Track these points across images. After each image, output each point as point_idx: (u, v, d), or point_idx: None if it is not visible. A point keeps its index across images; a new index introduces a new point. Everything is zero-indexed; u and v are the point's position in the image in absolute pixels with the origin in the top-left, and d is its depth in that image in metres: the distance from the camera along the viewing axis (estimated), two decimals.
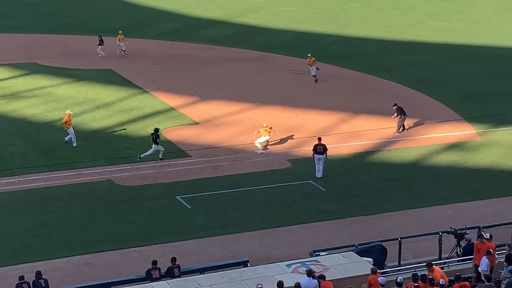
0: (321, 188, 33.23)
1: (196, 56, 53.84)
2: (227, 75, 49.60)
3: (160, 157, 35.55)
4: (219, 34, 60.75)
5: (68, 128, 36.84)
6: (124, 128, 39.86)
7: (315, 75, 46.79)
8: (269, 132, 36.76)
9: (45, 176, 33.64)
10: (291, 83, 47.34)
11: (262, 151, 36.78)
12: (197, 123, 40.96)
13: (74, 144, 36.83)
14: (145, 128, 39.65)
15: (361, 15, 67.12)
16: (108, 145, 37.71)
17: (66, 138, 36.98)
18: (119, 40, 52.84)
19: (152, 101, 44.25)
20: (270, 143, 37.36)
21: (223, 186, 33.25)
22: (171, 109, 43.05)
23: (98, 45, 53.71)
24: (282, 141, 38.36)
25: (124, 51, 52.75)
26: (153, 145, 35.22)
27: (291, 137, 38.86)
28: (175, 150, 36.83)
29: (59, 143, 37.41)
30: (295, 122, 40.98)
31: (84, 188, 32.76)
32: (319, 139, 34.69)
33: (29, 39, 56.92)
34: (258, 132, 36.88)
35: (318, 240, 28.08)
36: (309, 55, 47.08)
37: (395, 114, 39.31)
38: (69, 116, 37.03)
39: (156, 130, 35.88)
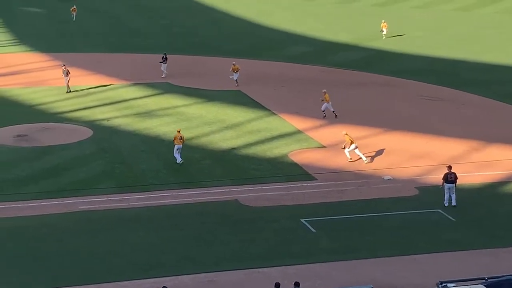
0: (450, 217, 32.25)
1: (324, 80, 53.88)
2: (356, 99, 49.27)
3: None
4: (348, 58, 60.60)
5: (178, 144, 37.66)
6: (251, 149, 40.27)
7: (334, 111, 45.23)
8: (351, 141, 37.71)
9: (174, 194, 34.40)
10: (421, 109, 46.38)
11: (389, 177, 36.22)
12: (324, 147, 40.82)
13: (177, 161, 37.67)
14: (272, 150, 39.93)
15: (497, 42, 65.18)
16: (235, 165, 38.15)
17: (180, 160, 37.64)
18: (232, 70, 52.60)
19: (279, 123, 44.54)
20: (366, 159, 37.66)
21: (348, 211, 32.85)
22: (299, 131, 43.14)
23: (161, 62, 54.08)
24: (410, 167, 37.57)
25: (236, 80, 52.68)
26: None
27: (419, 164, 38.01)
28: (301, 173, 36.80)
29: (188, 161, 38.20)
30: (424, 149, 40.09)
31: (211, 206, 33.22)
32: (449, 167, 33.76)
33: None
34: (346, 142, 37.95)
35: (445, 271, 27.19)
36: (324, 90, 45.73)
37: None
38: (179, 132, 38.08)
39: None
